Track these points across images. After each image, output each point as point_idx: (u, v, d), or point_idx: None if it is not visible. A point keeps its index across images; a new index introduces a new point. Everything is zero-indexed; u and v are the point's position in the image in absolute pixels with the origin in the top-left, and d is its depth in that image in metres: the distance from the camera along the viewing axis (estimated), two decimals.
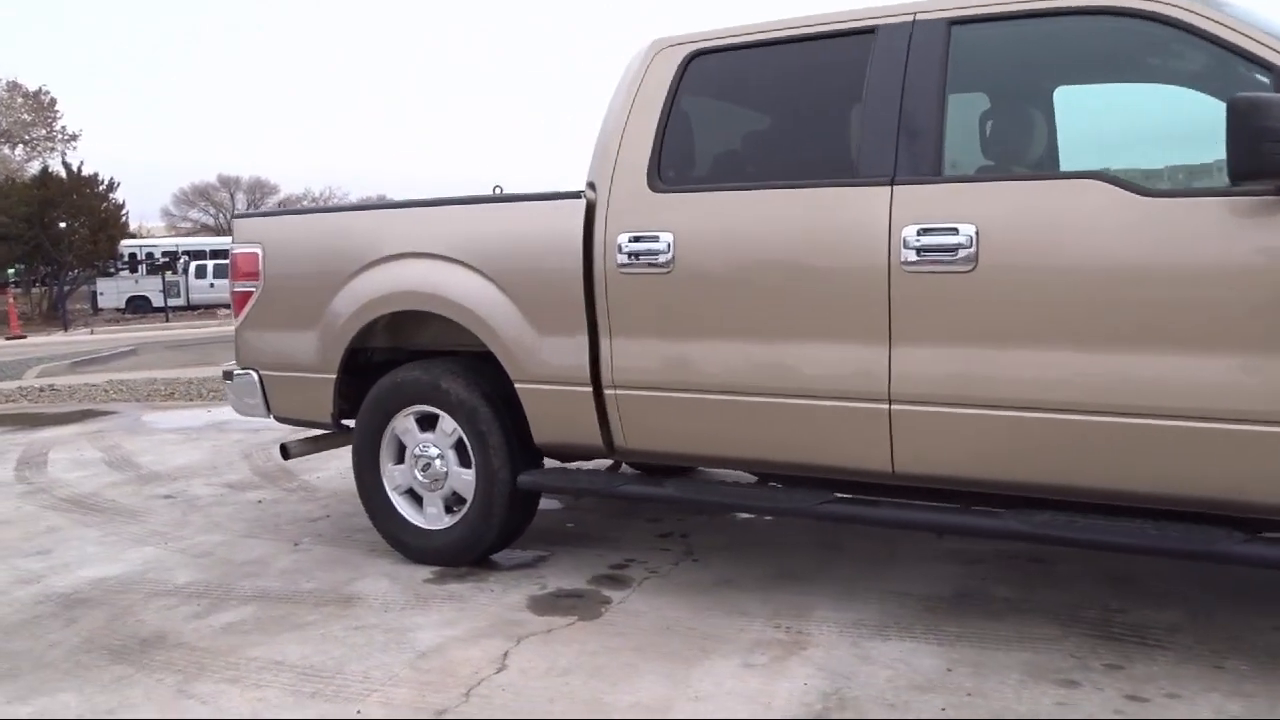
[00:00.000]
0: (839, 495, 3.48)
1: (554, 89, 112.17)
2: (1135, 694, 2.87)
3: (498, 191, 4.44)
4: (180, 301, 35.05)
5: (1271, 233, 2.74)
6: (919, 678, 3.02)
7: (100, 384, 11.99)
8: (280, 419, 4.75)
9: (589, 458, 4.18)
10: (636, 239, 3.66)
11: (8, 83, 41.16)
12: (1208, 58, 3.02)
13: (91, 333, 27.01)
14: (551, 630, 3.51)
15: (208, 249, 39.83)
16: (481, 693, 3.04)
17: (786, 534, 4.60)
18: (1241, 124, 2.64)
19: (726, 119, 4.04)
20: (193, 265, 37.14)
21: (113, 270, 38.28)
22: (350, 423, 4.52)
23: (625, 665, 3.20)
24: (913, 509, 3.36)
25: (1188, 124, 3.31)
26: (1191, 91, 3.22)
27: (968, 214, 3.12)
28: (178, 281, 35.79)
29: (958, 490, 3.34)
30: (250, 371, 4.70)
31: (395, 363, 4.43)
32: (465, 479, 4.13)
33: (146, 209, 65.97)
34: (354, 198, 50.13)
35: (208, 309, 34.52)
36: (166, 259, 38.34)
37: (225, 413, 8.96)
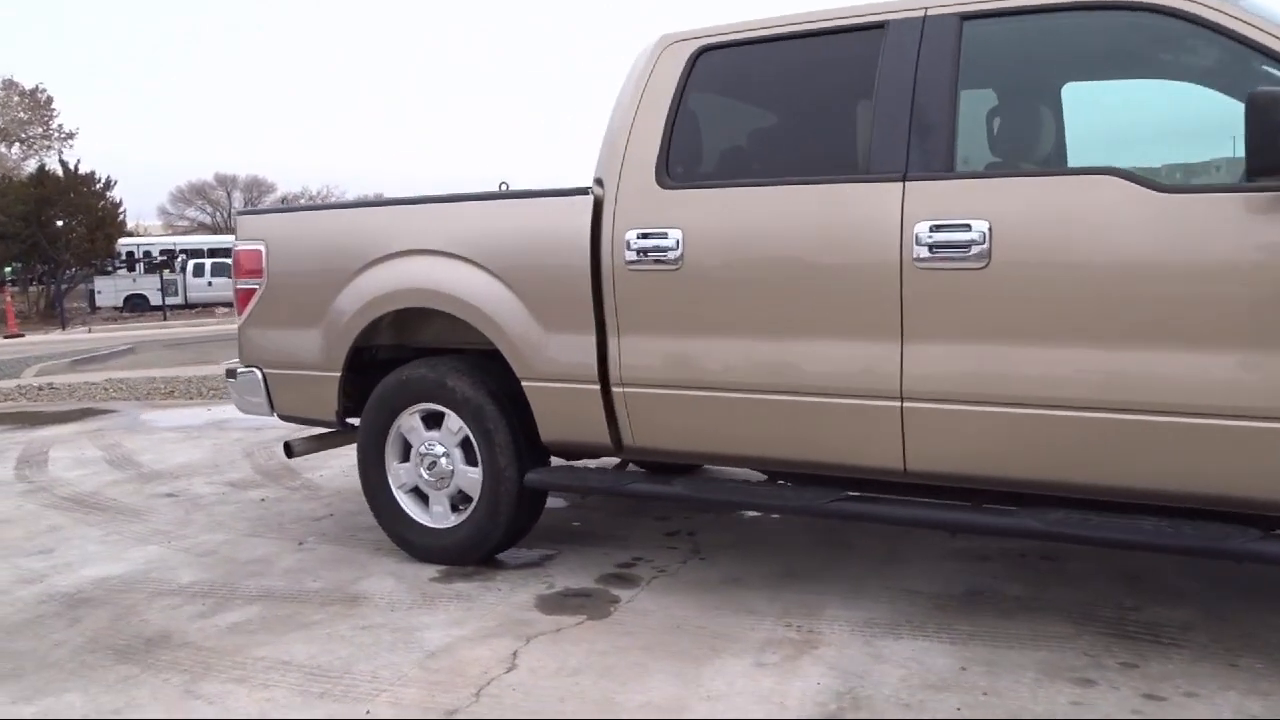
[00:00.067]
0: (850, 493, 3.45)
1: (554, 89, 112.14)
2: (1152, 693, 2.85)
3: (503, 188, 4.41)
4: (178, 300, 34.97)
5: None
6: (933, 677, 3.00)
7: (99, 382, 11.96)
8: (284, 417, 4.72)
9: (596, 456, 4.15)
10: (645, 235, 3.63)
11: (4, 81, 41.17)
12: (1223, 53, 3.00)
13: (89, 331, 26.96)
14: (560, 630, 3.49)
15: (205, 247, 39.75)
16: (492, 692, 3.02)
17: (793, 532, 4.57)
18: (1261, 119, 2.62)
19: (735, 115, 4.02)
20: (190, 264, 37.07)
21: (110, 269, 38.20)
22: (354, 421, 4.49)
23: (635, 665, 3.17)
24: (925, 507, 3.34)
25: (1201, 120, 3.29)
26: (1207, 87, 3.19)
27: (981, 210, 3.10)
28: (175, 280, 35.72)
29: (968, 488, 3.32)
30: (254, 369, 4.67)
31: (399, 361, 4.40)
32: (471, 477, 4.10)
33: (145, 208, 65.96)
34: (351, 196, 50.17)
35: (205, 307, 34.48)
36: (164, 257, 38.25)
37: (225, 411, 8.95)
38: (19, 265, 36.65)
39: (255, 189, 61.05)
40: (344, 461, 6.17)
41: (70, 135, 42.88)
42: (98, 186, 38.83)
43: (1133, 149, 3.42)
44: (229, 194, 61.87)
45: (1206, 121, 3.31)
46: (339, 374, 4.36)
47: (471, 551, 4.15)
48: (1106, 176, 2.96)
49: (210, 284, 35.93)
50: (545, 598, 3.81)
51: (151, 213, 60.82)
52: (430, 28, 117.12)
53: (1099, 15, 3.11)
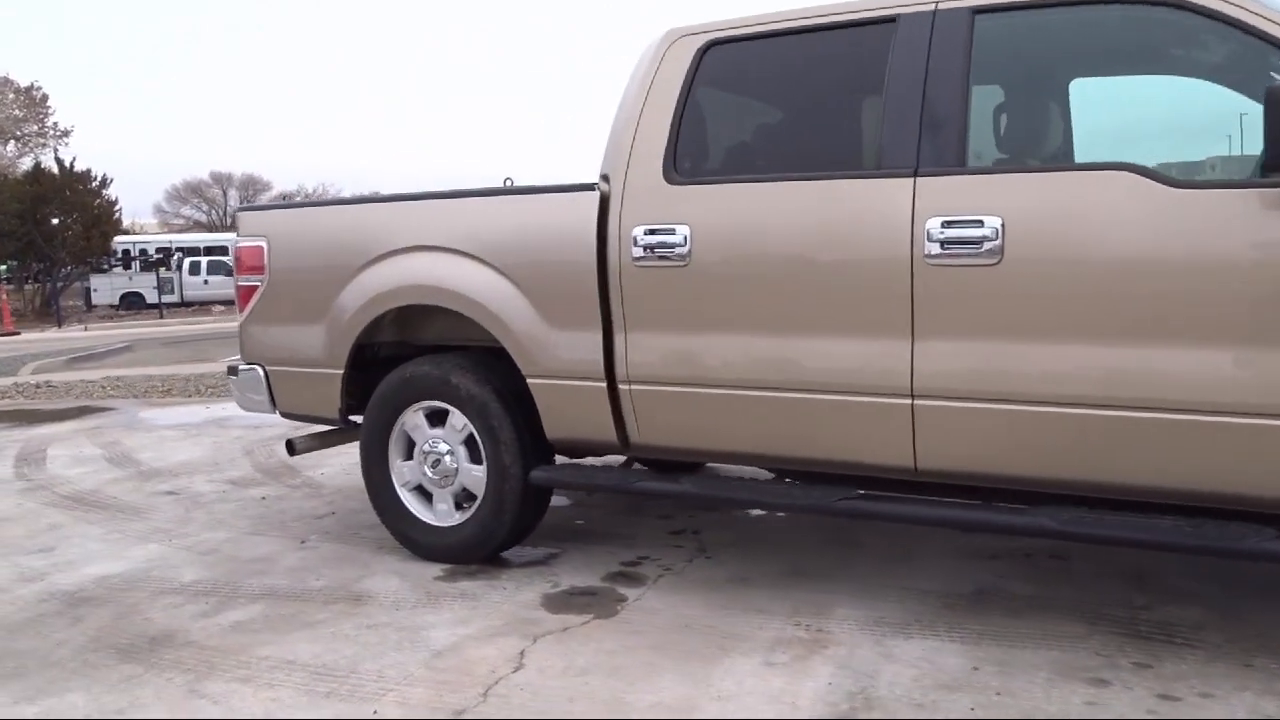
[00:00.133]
0: (860, 492, 3.42)
1: (554, 89, 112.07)
2: (1167, 693, 2.82)
3: (508, 184, 4.38)
4: (174, 298, 34.86)
5: None
6: (945, 676, 2.98)
7: (97, 380, 11.90)
8: (286, 415, 4.68)
9: (602, 454, 4.12)
10: (652, 231, 3.60)
11: None
12: (1239, 47, 2.97)
13: (85, 329, 26.84)
14: (567, 629, 3.46)
15: (201, 245, 39.64)
16: (500, 692, 2.99)
17: (798, 531, 4.55)
18: (1279, 113, 2.59)
19: (744, 110, 3.99)
20: (186, 262, 36.94)
21: (106, 266, 38.08)
22: (357, 419, 4.46)
23: (644, 664, 3.14)
24: (937, 505, 3.31)
25: (1218, 116, 3.27)
26: (1222, 84, 3.17)
27: (993, 206, 3.07)
28: (172, 278, 35.61)
29: (979, 486, 3.29)
30: (256, 367, 4.63)
31: (402, 358, 4.37)
32: (476, 475, 4.07)
33: (140, 206, 65.77)
34: (347, 193, 50.01)
35: (202, 305, 34.36)
36: (160, 255, 38.14)
37: (224, 409, 8.91)
38: (14, 263, 36.54)
39: (251, 187, 60.92)
40: (344, 459, 6.13)
41: (66, 133, 42.84)
42: (93, 184, 38.76)
43: (1149, 145, 3.39)
44: (225, 192, 61.77)
45: (1220, 118, 3.29)
46: (342, 371, 4.33)
47: (476, 550, 4.12)
48: (1121, 172, 2.93)
49: (206, 282, 35.84)
50: (551, 596, 3.78)
51: (147, 211, 60.75)
52: (430, 28, 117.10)
53: (1114, 10, 3.08)
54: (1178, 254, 2.84)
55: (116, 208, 40.66)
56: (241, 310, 4.68)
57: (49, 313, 32.14)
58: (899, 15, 3.34)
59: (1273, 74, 2.88)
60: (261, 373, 4.61)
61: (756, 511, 4.84)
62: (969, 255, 3.08)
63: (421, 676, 3.12)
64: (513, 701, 2.93)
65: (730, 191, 3.56)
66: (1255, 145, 2.82)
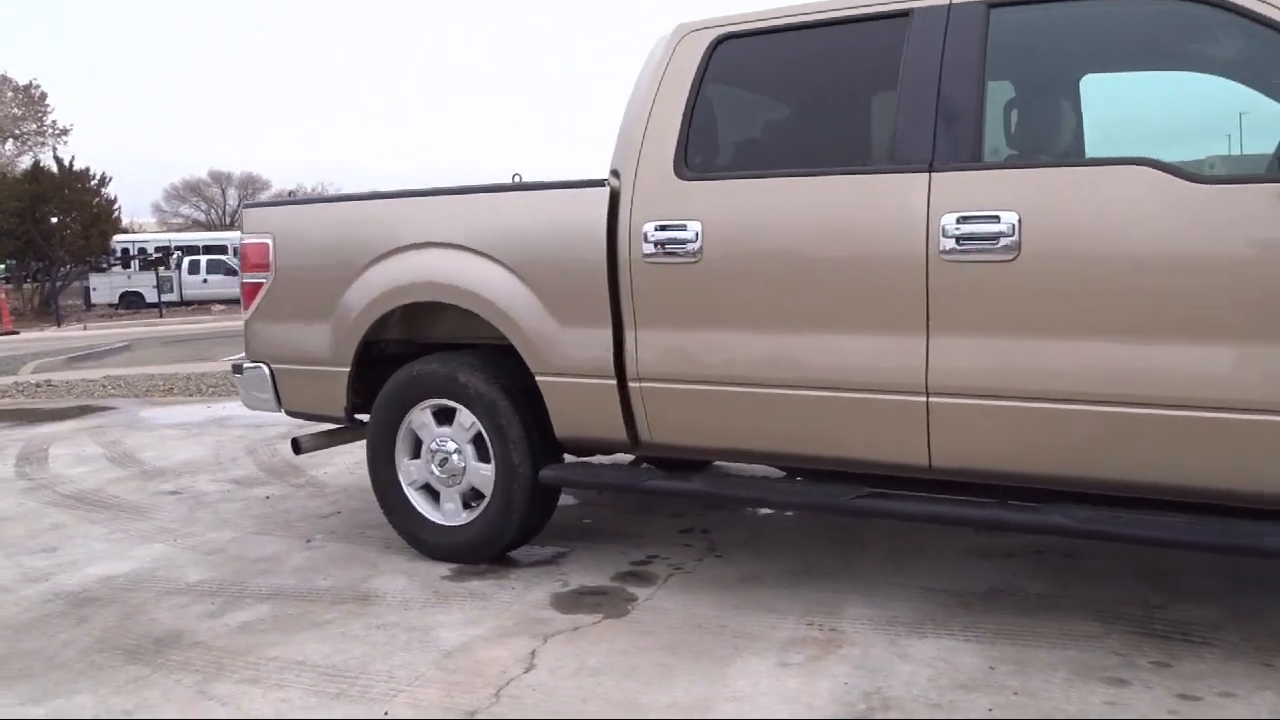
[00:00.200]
0: (874, 490, 3.39)
1: (554, 89, 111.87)
2: (1187, 693, 2.79)
3: (517, 180, 4.34)
4: (173, 297, 34.83)
5: None
6: (961, 676, 2.95)
7: (97, 379, 11.86)
8: (291, 413, 4.65)
9: (611, 452, 4.09)
10: (663, 228, 3.57)
11: None
12: (1262, 42, 2.93)
13: (85, 328, 26.80)
14: (578, 628, 3.42)
15: (201, 244, 39.58)
16: (511, 693, 2.96)
17: (807, 530, 4.52)
18: None
19: (755, 105, 3.96)
20: (186, 261, 36.91)
21: (105, 265, 38.04)
22: (363, 417, 4.43)
23: (658, 665, 3.11)
24: (951, 504, 3.28)
25: (1231, 112, 3.24)
26: (1239, 80, 3.14)
27: (1009, 201, 3.04)
28: (171, 277, 35.58)
29: (992, 484, 3.26)
30: (261, 365, 4.59)
31: (409, 356, 4.33)
32: (484, 474, 4.04)
33: (139, 205, 65.72)
34: (345, 190, 49.88)
35: (201, 304, 34.33)
36: (159, 254, 38.10)
37: (226, 408, 8.88)
38: (13, 262, 36.48)
39: (250, 186, 60.85)
40: (349, 458, 6.11)
41: (64, 131, 42.78)
42: (92, 183, 38.71)
43: (1169, 141, 3.36)
44: (224, 191, 61.71)
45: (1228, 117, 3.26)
46: (348, 369, 4.29)
47: (484, 549, 4.08)
48: (1140, 167, 2.90)
49: (205, 281, 35.82)
50: (561, 596, 3.75)
51: (146, 210, 60.64)
52: (430, 28, 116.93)
53: (1131, 3, 3.05)
54: (1198, 250, 2.81)
55: (115, 206, 40.61)
56: (246, 308, 4.64)
57: (48, 312, 32.13)
58: (913, 9, 3.31)
59: None
60: (267, 371, 4.57)
61: (765, 510, 4.80)
62: (985, 251, 3.05)
63: (432, 677, 3.09)
64: (525, 702, 2.90)
65: (742, 187, 3.53)
66: (1255, 143, 2.80)
